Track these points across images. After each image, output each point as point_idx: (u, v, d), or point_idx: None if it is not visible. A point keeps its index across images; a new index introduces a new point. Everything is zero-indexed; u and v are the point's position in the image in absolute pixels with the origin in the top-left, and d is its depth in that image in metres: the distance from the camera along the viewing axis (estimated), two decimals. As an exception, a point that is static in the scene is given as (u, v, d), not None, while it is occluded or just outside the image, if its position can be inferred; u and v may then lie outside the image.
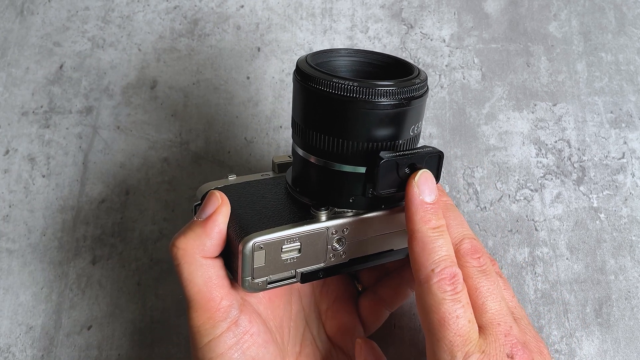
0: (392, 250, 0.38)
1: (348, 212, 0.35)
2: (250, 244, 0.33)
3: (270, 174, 0.40)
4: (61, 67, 0.55)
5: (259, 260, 0.34)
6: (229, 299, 0.35)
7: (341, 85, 0.32)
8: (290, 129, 0.38)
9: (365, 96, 0.32)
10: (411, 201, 0.32)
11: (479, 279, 0.33)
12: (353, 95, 0.32)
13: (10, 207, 0.51)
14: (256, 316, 0.36)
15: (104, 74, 0.54)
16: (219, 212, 0.35)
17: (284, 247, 0.34)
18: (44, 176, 0.52)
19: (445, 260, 0.31)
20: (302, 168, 0.36)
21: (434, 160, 0.34)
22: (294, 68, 0.35)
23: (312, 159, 0.35)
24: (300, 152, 0.36)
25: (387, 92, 0.32)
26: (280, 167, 0.40)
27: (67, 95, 0.54)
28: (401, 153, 0.33)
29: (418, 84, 0.33)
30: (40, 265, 0.49)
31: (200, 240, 0.34)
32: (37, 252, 0.50)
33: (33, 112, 0.54)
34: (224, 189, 0.37)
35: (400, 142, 0.34)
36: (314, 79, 0.33)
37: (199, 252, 0.34)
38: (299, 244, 0.34)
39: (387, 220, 0.36)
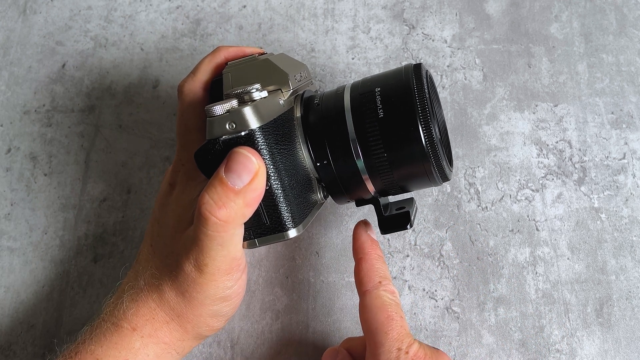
0: None
1: None
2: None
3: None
4: (63, 66, 0.55)
5: None
6: (244, 257, 0.37)
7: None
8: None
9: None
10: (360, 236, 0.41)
11: None
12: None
13: (12, 205, 0.51)
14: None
15: (106, 73, 0.55)
16: (259, 180, 0.34)
17: None
18: (45, 175, 0.52)
19: (388, 277, 0.39)
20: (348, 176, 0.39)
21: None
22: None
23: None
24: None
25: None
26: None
27: (69, 94, 0.54)
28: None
29: None
30: (41, 264, 0.49)
31: (242, 211, 0.34)
32: (38, 250, 0.50)
33: (35, 110, 0.54)
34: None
35: None
36: None
37: (239, 223, 0.35)
38: None
39: None
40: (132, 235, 0.49)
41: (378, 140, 0.36)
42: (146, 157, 0.52)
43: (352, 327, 0.45)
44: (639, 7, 0.52)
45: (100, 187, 0.51)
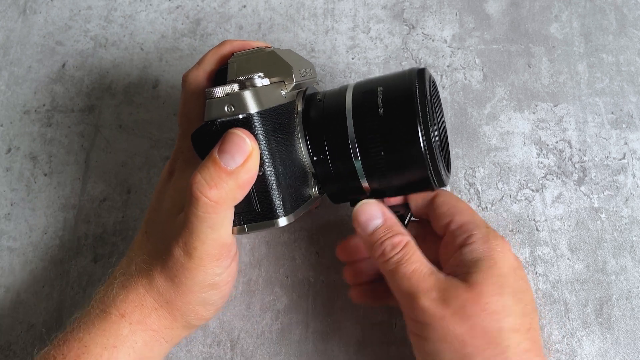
0: None
1: None
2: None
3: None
4: (63, 66, 0.55)
5: None
6: (234, 244, 0.37)
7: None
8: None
9: None
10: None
11: None
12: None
13: (11, 205, 0.51)
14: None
15: (106, 73, 0.55)
16: (252, 162, 0.34)
17: None
18: (45, 174, 0.52)
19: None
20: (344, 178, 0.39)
21: None
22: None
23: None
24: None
25: None
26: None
27: (69, 94, 0.54)
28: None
29: None
30: (41, 264, 0.49)
31: (233, 193, 0.34)
32: (38, 250, 0.50)
33: (35, 110, 0.54)
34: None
35: None
36: None
37: (230, 205, 0.34)
38: None
39: None
40: (132, 235, 0.49)
41: (377, 139, 0.36)
42: (146, 157, 0.52)
43: (352, 327, 0.45)
44: (639, 7, 0.52)
45: (100, 187, 0.51)
